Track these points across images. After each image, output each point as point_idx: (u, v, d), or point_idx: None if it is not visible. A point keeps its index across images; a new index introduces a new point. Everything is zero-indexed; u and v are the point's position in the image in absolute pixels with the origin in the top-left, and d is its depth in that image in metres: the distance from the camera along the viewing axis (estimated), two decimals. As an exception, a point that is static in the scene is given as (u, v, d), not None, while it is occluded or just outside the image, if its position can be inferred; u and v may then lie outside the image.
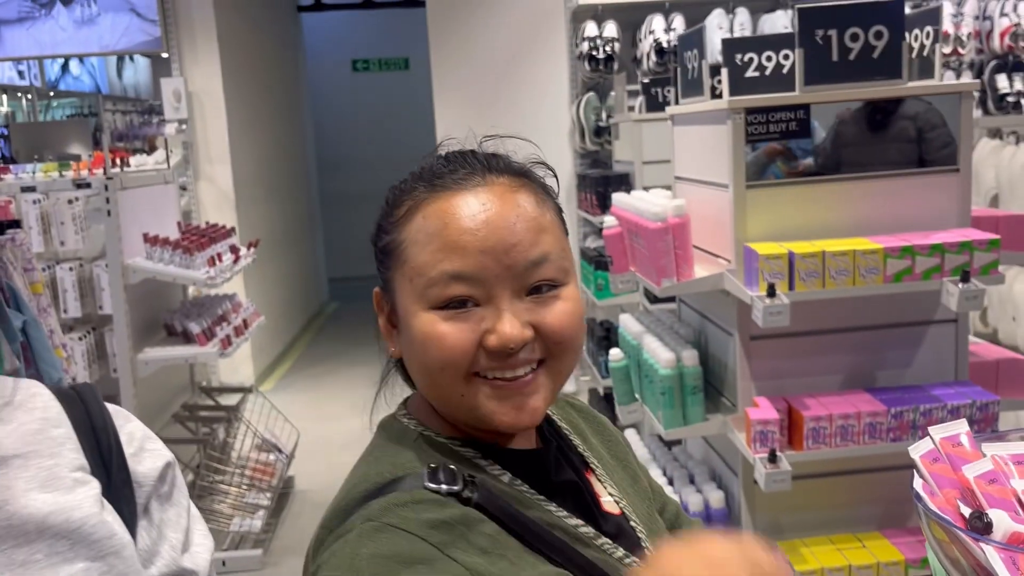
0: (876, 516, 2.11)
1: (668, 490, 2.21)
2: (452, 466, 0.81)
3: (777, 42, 2.26)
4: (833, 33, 1.94)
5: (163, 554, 0.69)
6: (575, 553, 0.82)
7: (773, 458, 1.88)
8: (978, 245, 1.86)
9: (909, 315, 2.06)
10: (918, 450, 0.80)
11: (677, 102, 2.50)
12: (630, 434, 2.64)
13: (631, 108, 4.39)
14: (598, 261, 3.94)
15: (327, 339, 7.56)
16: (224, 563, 3.47)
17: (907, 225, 2.00)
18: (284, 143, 7.64)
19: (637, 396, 2.34)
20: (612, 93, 4.99)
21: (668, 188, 2.52)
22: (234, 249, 3.82)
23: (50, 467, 0.63)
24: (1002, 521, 0.68)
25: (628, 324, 2.45)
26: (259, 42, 6.93)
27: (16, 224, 2.49)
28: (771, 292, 1.82)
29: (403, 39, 9.83)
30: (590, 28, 5.10)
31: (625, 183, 3.88)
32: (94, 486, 0.64)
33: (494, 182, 0.85)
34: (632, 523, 0.91)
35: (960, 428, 0.81)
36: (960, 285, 1.82)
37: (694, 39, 2.31)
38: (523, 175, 0.88)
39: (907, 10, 2.05)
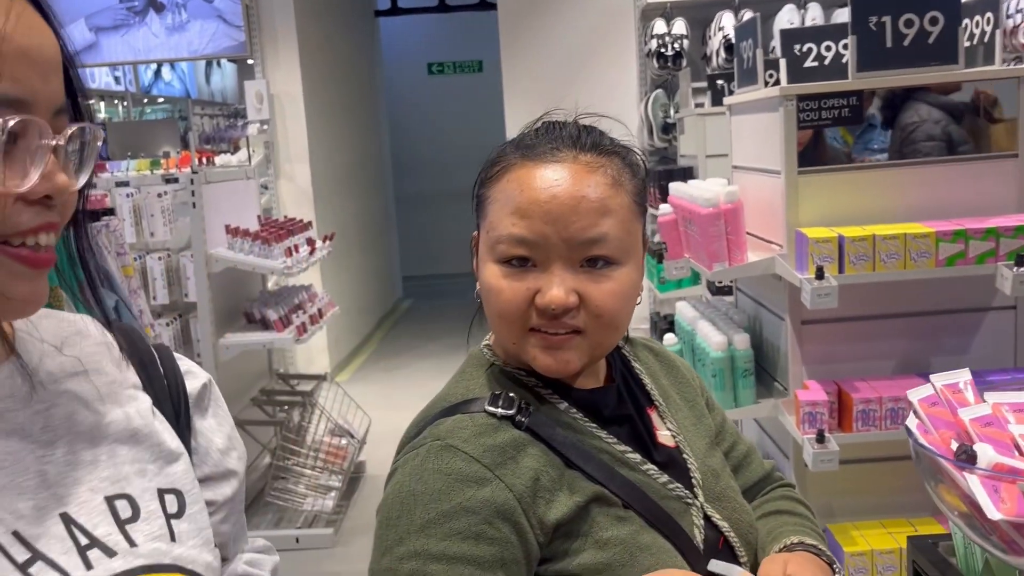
0: (930, 502, 2.10)
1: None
2: (512, 394, 0.93)
3: (835, 32, 2.28)
4: (887, 19, 1.95)
5: (209, 454, 0.80)
6: (616, 474, 0.91)
7: (821, 438, 1.91)
8: (1037, 229, 1.85)
9: (965, 301, 2.06)
10: (917, 394, 0.85)
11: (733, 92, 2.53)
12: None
13: (699, 104, 4.41)
14: (660, 254, 3.98)
15: (400, 334, 7.75)
16: (298, 540, 3.64)
17: (963, 211, 2.00)
18: (361, 144, 7.87)
19: (691, 381, 2.39)
20: (680, 90, 5.01)
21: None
22: (310, 242, 3.99)
23: (110, 383, 0.74)
24: (986, 453, 0.73)
25: (683, 311, 2.50)
26: (338, 46, 7.16)
27: (110, 212, 2.68)
28: (819, 274, 1.86)
29: (477, 42, 9.98)
30: (659, 26, 5.12)
31: (688, 176, 3.91)
32: (145, 399, 0.75)
33: (576, 158, 0.92)
34: (684, 455, 0.99)
35: (962, 376, 0.86)
36: (1015, 270, 1.81)
37: (750, 29, 2.35)
38: (608, 153, 0.94)
39: (966, -4, 2.05)
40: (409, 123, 10.18)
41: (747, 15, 4.96)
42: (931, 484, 0.77)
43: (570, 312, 0.89)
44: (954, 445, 0.77)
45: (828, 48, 2.27)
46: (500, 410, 0.90)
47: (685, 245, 2.32)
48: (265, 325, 3.70)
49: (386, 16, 9.32)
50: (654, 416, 1.01)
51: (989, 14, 2.10)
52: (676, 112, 4.99)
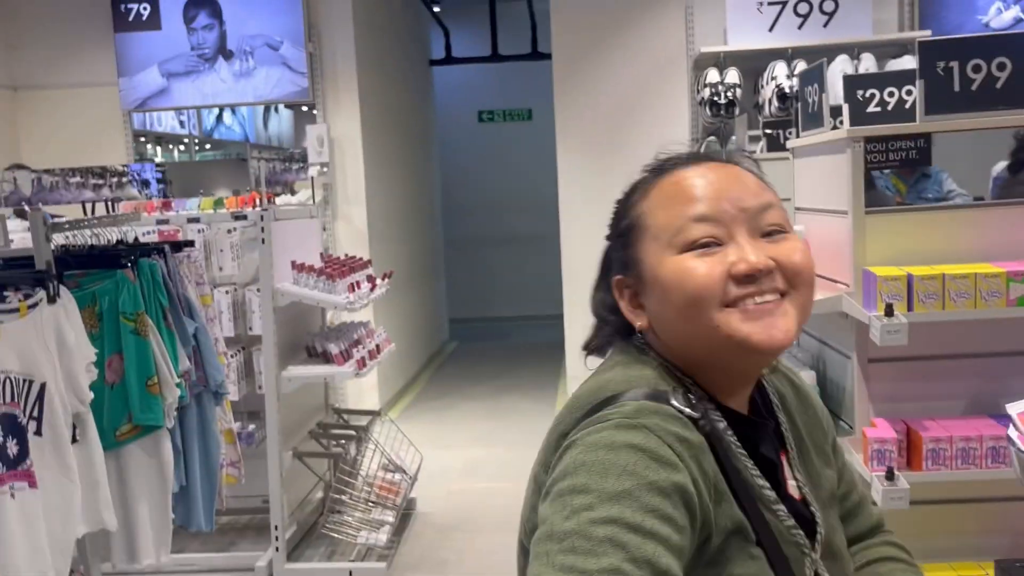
0: (1003, 546, 2.09)
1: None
2: (692, 395, 0.91)
3: (899, 78, 2.33)
4: (955, 65, 2.00)
5: None
6: (756, 508, 0.90)
7: (891, 476, 1.91)
8: (1106, 271, 1.86)
9: (1034, 343, 2.06)
10: (1016, 408, 0.88)
11: (798, 136, 2.58)
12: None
13: (752, 151, 4.47)
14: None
15: (447, 375, 7.81)
16: (351, 573, 3.67)
17: (1031, 253, 2.02)
18: (414, 188, 8.05)
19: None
20: (733, 137, 5.08)
21: (788, 220, 2.60)
22: (370, 279, 4.10)
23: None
24: (1086, 460, 0.76)
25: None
26: (395, 93, 7.38)
27: (191, 244, 2.80)
28: (889, 312, 1.88)
29: (527, 91, 10.20)
30: (712, 75, 5.22)
31: (745, 222, 3.94)
32: None
33: (714, 161, 0.98)
34: (812, 508, 0.97)
35: (1056, 393, 0.89)
36: (1086, 310, 1.82)
37: (815, 75, 2.41)
38: (734, 161, 0.99)
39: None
40: (460, 169, 10.38)
41: (799, 64, 5.03)
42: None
43: (769, 275, 0.89)
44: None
45: (891, 94, 2.32)
46: (688, 409, 0.88)
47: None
48: (326, 359, 3.79)
49: (440, 65, 9.57)
50: (785, 463, 0.99)
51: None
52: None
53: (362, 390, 6.02)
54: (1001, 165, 3.58)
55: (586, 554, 0.76)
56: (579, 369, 5.10)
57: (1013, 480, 1.93)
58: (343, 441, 4.26)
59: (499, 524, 3.89)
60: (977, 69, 1.97)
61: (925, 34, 5.00)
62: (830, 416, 1.10)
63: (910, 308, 1.91)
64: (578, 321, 5.73)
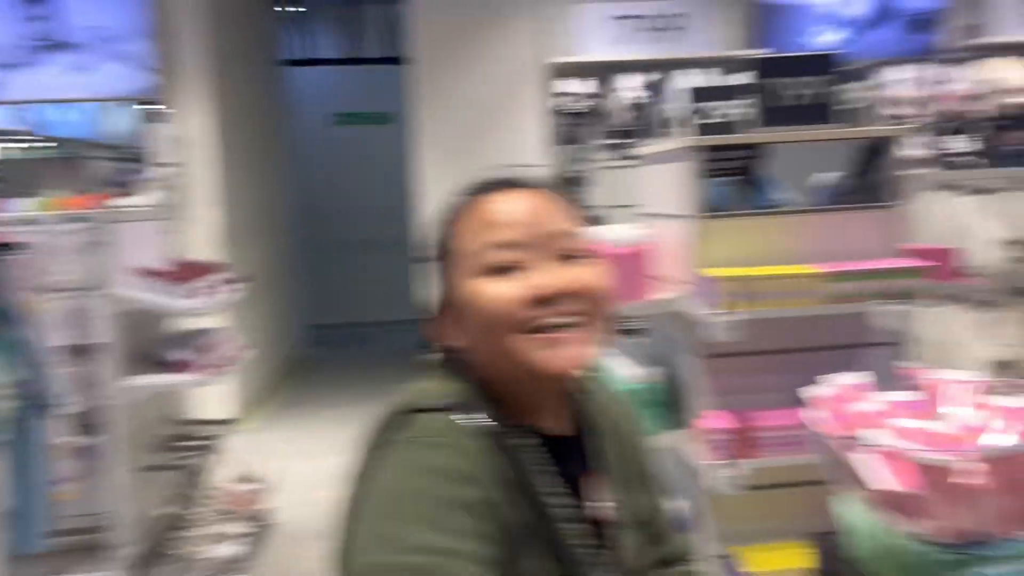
0: (827, 525, 2.26)
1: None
2: (496, 411, 0.94)
3: (735, 91, 2.49)
4: (786, 80, 2.17)
5: None
6: (553, 524, 0.93)
7: (725, 464, 2.04)
8: (906, 272, 2.06)
9: (851, 336, 2.26)
10: (811, 392, 0.98)
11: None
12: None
13: (604, 159, 4.64)
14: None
15: (306, 383, 7.64)
16: (203, 588, 3.53)
17: (850, 254, 2.21)
18: (269, 190, 7.83)
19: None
20: (584, 145, 5.25)
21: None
22: (222, 283, 3.96)
23: None
24: (874, 436, 0.86)
25: (597, 348, 2.63)
26: (247, 92, 7.16)
27: (18, 246, 2.63)
28: (724, 310, 2.01)
29: (385, 94, 10.13)
30: (564, 84, 5.38)
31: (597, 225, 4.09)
32: None
33: (519, 188, 1.01)
34: (620, 530, 1.02)
35: (859, 378, 1.00)
36: (893, 307, 2.02)
37: (660, 87, 2.53)
38: (543, 187, 1.03)
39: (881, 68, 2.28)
40: (317, 172, 10.17)
41: (649, 77, 5.27)
42: (829, 469, 0.89)
43: (569, 299, 0.92)
44: (844, 432, 0.89)
45: (734, 106, 2.48)
46: (477, 420, 0.91)
47: (599, 285, 2.45)
48: (173, 368, 3.63)
49: (296, 66, 9.36)
50: (597, 483, 1.03)
51: (869, 81, 2.35)
52: (583, 166, 5.22)
53: (216, 399, 5.80)
54: (825, 176, 3.88)
55: None
56: None
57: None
58: (193, 453, 4.10)
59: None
60: (805, 86, 2.15)
61: (763, 52, 5.35)
62: (649, 448, 1.15)
63: (743, 307, 2.05)
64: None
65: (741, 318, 2.02)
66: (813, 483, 2.23)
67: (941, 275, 2.28)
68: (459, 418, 0.91)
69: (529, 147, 5.77)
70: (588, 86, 5.33)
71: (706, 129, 2.39)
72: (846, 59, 2.38)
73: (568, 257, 0.95)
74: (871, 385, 0.94)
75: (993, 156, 5.17)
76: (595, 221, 4.11)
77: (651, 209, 2.58)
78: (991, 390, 0.90)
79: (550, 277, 0.92)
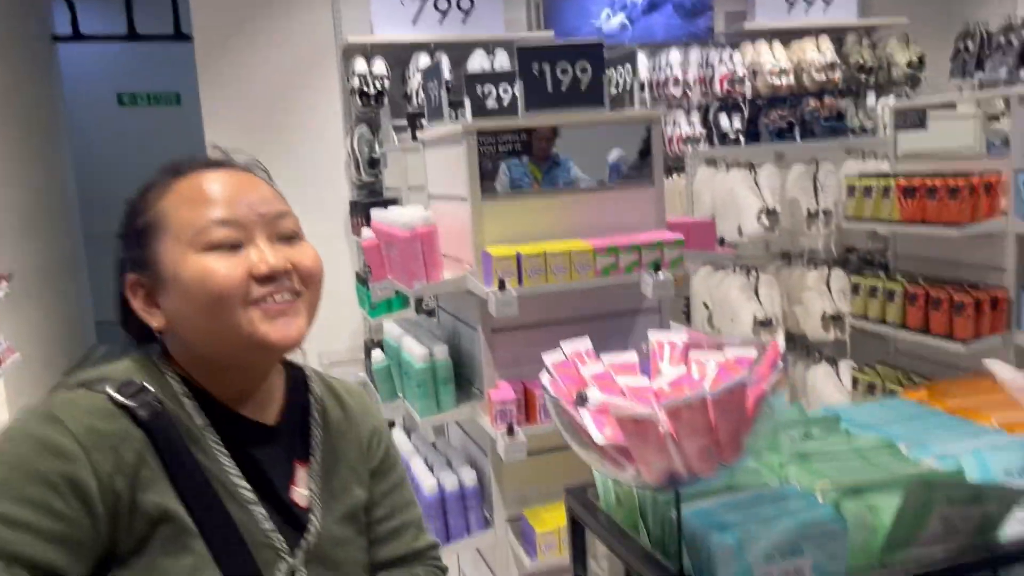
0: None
1: (428, 476, 2.43)
2: (146, 386, 0.93)
3: (510, 76, 2.59)
4: (547, 67, 2.28)
5: None
6: (213, 502, 0.92)
7: (511, 431, 2.15)
8: (667, 244, 2.25)
9: (623, 304, 2.43)
10: (550, 358, 1.07)
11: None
12: (398, 433, 2.84)
13: (399, 140, 4.65)
14: (366, 280, 4.14)
15: (96, 383, 7.15)
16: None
17: (616, 229, 2.37)
18: (41, 177, 7.21)
19: (399, 393, 2.56)
20: (382, 126, 5.24)
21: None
22: (-15, 282, 3.63)
23: None
24: (595, 395, 0.96)
25: (390, 329, 2.67)
26: (10, 72, 6.54)
27: None
28: (502, 286, 2.11)
29: (173, 73, 9.57)
30: (360, 65, 5.32)
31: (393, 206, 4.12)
32: None
33: (231, 167, 1.03)
34: (310, 517, 1.01)
35: (584, 345, 1.10)
36: (653, 276, 2.20)
37: (435, 71, 2.59)
38: (255, 169, 1.06)
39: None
40: (99, 156, 9.48)
41: (443, 58, 5.32)
42: (562, 427, 0.98)
43: (287, 276, 0.96)
44: (575, 393, 0.99)
45: (506, 90, 2.58)
46: (122, 398, 0.90)
47: (388, 267, 2.49)
48: (-69, 376, 3.30)
49: (67, 42, 8.63)
50: (301, 471, 1.03)
51: (628, 66, 2.52)
52: (380, 147, 5.21)
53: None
54: (615, 153, 4.12)
55: None
56: None
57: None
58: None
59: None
60: (565, 72, 2.27)
61: (548, 34, 5.54)
62: (385, 437, 1.15)
63: (520, 282, 2.16)
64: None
65: (519, 293, 2.12)
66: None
67: (703, 244, 2.50)
68: (89, 393, 0.90)
69: (327, 127, 5.67)
70: (384, 66, 5.31)
71: (482, 113, 2.47)
72: (620, 44, 2.54)
73: (285, 238, 0.99)
74: (593, 351, 1.05)
75: (756, 133, 5.67)
76: (390, 205, 4.13)
77: (435, 191, 2.64)
78: (697, 348, 1.02)
79: (273, 255, 0.95)
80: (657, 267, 2.21)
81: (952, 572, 1.00)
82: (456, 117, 2.54)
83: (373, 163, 5.31)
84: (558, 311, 2.36)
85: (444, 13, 5.59)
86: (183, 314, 0.95)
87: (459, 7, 5.63)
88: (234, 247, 0.95)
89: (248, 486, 0.96)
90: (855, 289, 3.46)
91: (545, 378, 1.02)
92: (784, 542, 0.96)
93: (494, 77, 2.55)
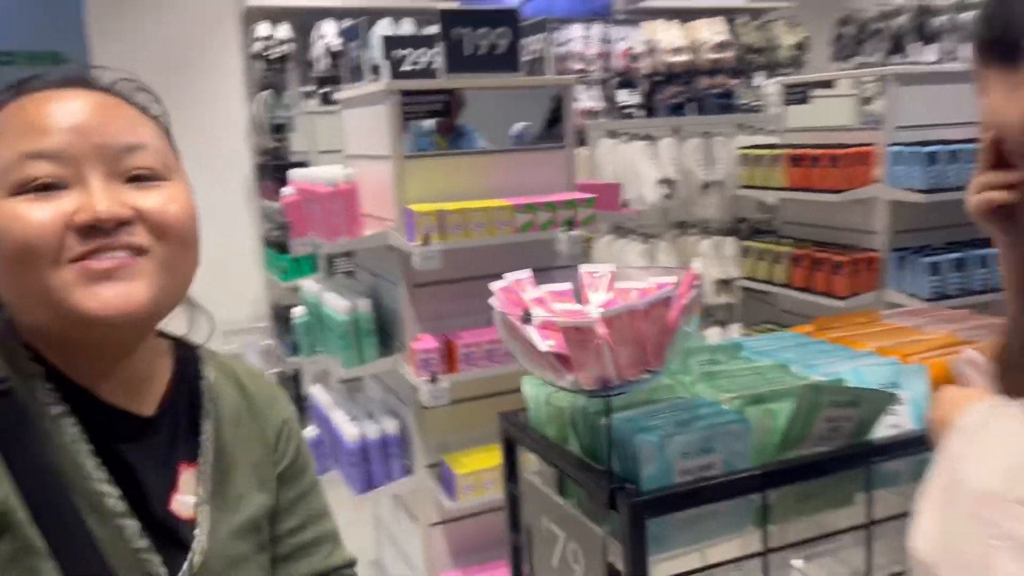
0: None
1: (350, 426, 2.52)
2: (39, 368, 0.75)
3: (427, 40, 2.67)
4: (467, 31, 2.38)
5: None
6: (72, 515, 0.73)
7: (434, 379, 2.26)
8: (579, 203, 2.40)
9: (539, 262, 2.55)
10: (497, 285, 1.19)
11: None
12: (317, 390, 2.90)
13: (307, 104, 4.65)
14: (281, 245, 4.15)
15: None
16: None
17: (531, 190, 2.50)
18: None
19: (319, 349, 2.63)
20: (287, 91, 5.20)
21: (341, 167, 2.83)
22: None
23: None
24: (538, 314, 1.09)
25: (308, 286, 2.72)
26: None
27: None
28: (425, 241, 2.21)
29: (53, 30, 9.10)
30: (263, 29, 5.26)
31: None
32: None
33: (88, 87, 0.80)
34: (195, 532, 0.82)
35: (524, 274, 1.22)
36: (567, 233, 2.34)
37: (358, 32, 2.65)
38: (113, 90, 0.82)
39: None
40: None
41: (347, 23, 5.31)
42: (509, 340, 1.10)
43: (126, 228, 0.74)
44: (522, 314, 1.12)
45: (423, 54, 2.66)
46: None
47: (309, 224, 2.55)
48: None
49: (-63, -6, 8.08)
50: (185, 475, 0.83)
51: (543, 35, 2.64)
52: (286, 112, 5.17)
53: None
54: (520, 125, 4.25)
55: None
56: None
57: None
58: None
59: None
60: (484, 37, 2.38)
61: (454, 4, 5.60)
62: (295, 434, 0.97)
63: (443, 238, 2.27)
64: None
65: (440, 248, 2.23)
66: (506, 392, 2.54)
67: (609, 206, 2.66)
68: None
69: (228, 92, 5.58)
70: (287, 31, 5.26)
71: (400, 75, 2.55)
72: (527, 15, 2.68)
73: (136, 179, 0.77)
74: (534, 279, 1.17)
75: (653, 107, 5.92)
76: (298, 167, 4.14)
77: (355, 151, 2.71)
78: (621, 278, 1.16)
79: (106, 200, 0.73)
80: (571, 225, 2.36)
81: (835, 463, 1.18)
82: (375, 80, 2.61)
83: (277, 128, 5.27)
84: (476, 267, 2.48)
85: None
86: None
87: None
88: (56, 188, 0.73)
89: (116, 493, 0.76)
90: (745, 252, 3.71)
91: (494, 299, 1.14)
92: (697, 441, 1.11)
93: (413, 41, 2.63)
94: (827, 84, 3.73)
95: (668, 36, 5.97)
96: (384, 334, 2.58)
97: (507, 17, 2.41)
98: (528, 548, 1.35)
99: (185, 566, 0.80)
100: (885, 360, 1.37)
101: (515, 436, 1.39)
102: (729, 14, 6.17)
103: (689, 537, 1.15)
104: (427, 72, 2.63)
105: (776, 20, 6.31)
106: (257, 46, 5.22)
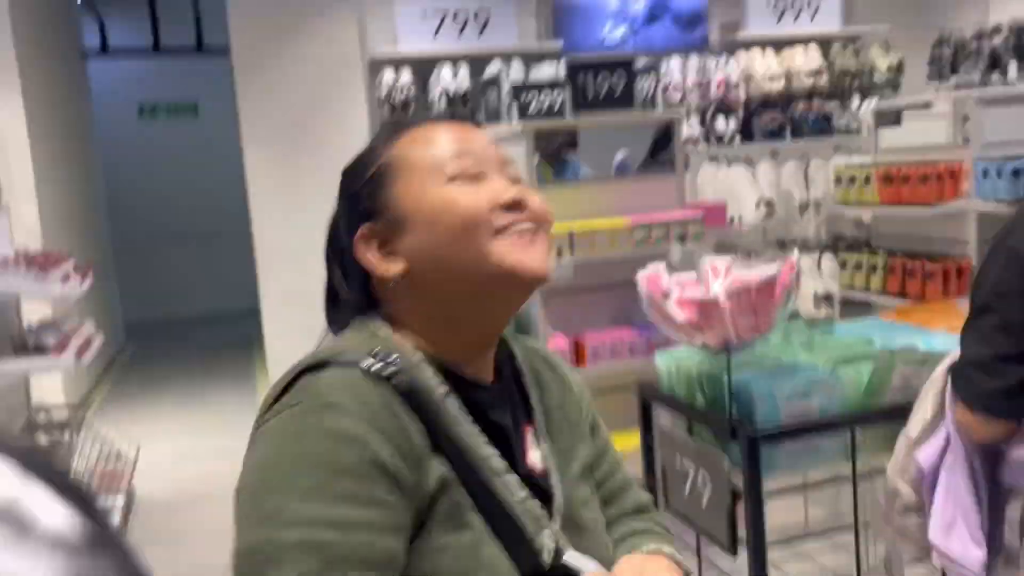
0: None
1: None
2: (393, 355, 0.85)
3: (550, 86, 3.10)
4: (591, 77, 2.79)
5: None
6: (475, 474, 0.85)
7: (568, 372, 2.65)
8: (689, 220, 2.76)
9: (652, 273, 2.93)
10: (642, 275, 1.58)
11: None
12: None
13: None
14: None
15: (132, 379, 7.60)
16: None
17: (648, 209, 2.87)
18: (78, 185, 7.68)
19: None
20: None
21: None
22: (71, 273, 4.10)
23: None
24: (675, 293, 1.46)
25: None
26: (53, 85, 7.01)
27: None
28: (559, 255, 2.61)
29: (192, 85, 10.06)
30: (387, 76, 5.82)
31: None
32: None
33: (454, 119, 0.98)
34: (551, 481, 0.94)
35: (659, 267, 1.60)
36: (680, 246, 2.71)
37: (491, 82, 3.09)
38: (476, 123, 1.02)
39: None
40: (122, 165, 9.93)
41: (462, 68, 5.81)
42: (651, 314, 1.48)
43: (529, 209, 0.91)
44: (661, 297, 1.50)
45: (545, 97, 3.08)
46: (377, 366, 0.83)
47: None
48: (37, 352, 3.77)
49: (95, 58, 9.10)
50: (529, 435, 0.96)
51: (653, 75, 3.03)
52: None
53: (44, 394, 5.75)
54: (621, 154, 4.65)
55: (271, 565, 0.73)
56: (283, 354, 5.56)
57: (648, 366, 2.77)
58: (55, 435, 4.21)
59: (221, 498, 4.15)
60: (604, 80, 2.79)
61: (559, 44, 6.03)
62: (588, 397, 1.08)
63: (572, 253, 2.66)
64: (276, 312, 6.03)
65: (571, 262, 2.62)
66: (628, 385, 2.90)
67: (715, 223, 3.01)
68: (344, 371, 0.83)
69: (354, 137, 6.15)
70: (406, 77, 5.81)
71: (531, 116, 2.98)
72: (635, 55, 3.05)
73: (515, 180, 0.95)
74: (665, 270, 1.54)
75: (750, 133, 6.20)
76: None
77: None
78: (733, 269, 1.53)
79: (512, 187, 0.91)
80: (682, 239, 2.72)
81: (905, 410, 1.51)
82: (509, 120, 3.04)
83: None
84: (599, 278, 2.87)
85: (462, 26, 6.09)
86: (428, 251, 0.89)
87: (475, 20, 6.12)
88: (474, 178, 0.90)
89: (497, 454, 0.89)
90: (843, 265, 3.97)
91: (639, 286, 1.52)
92: (799, 389, 1.46)
93: (537, 86, 3.06)
94: (923, 105, 3.97)
95: (763, 64, 6.26)
96: (523, 333, 2.98)
97: (623, 64, 2.81)
98: (663, 485, 1.71)
99: (554, 507, 0.92)
100: (948, 334, 1.69)
101: (651, 397, 1.76)
102: (823, 40, 6.41)
103: (792, 463, 1.50)
104: (549, 113, 3.05)
105: (871, 44, 6.51)
106: (383, 91, 5.78)
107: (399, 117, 1.17)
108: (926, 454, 1.14)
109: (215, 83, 8.90)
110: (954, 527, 1.06)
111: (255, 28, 6.10)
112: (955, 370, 1.18)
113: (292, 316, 5.84)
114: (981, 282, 1.19)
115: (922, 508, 1.15)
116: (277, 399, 0.83)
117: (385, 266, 0.91)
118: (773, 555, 1.47)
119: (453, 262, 0.88)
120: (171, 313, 9.69)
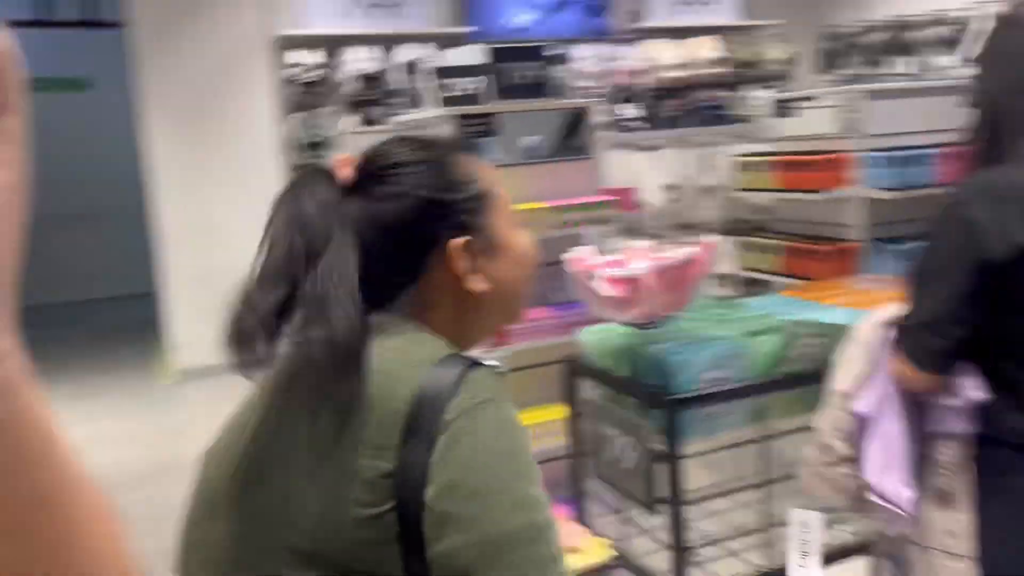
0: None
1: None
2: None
3: (473, 70, 3.18)
4: (513, 64, 2.88)
5: None
6: None
7: (491, 352, 2.75)
8: (604, 204, 2.90)
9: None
10: (571, 255, 1.69)
11: (391, 115, 3.32)
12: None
13: (345, 125, 5.15)
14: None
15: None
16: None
17: (566, 193, 2.99)
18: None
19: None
20: (321, 111, 5.71)
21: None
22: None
23: None
24: (601, 271, 1.58)
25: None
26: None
27: None
28: (482, 237, 2.71)
29: (82, 59, 9.63)
30: (295, 55, 5.76)
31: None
32: None
33: None
34: None
35: (586, 250, 1.72)
36: (597, 228, 2.84)
37: (411, 66, 3.15)
38: None
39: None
40: None
41: (375, 50, 5.81)
42: (581, 291, 1.60)
43: None
44: (589, 276, 1.61)
45: (469, 82, 3.16)
46: (492, 367, 0.92)
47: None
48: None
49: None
50: None
51: (562, 65, 3.14)
52: (321, 131, 5.68)
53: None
54: (531, 138, 4.78)
55: (536, 545, 0.80)
56: (189, 336, 5.50)
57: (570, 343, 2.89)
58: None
59: (138, 483, 4.10)
60: (525, 68, 2.88)
61: (471, 29, 6.09)
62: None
63: (494, 234, 2.76)
64: (179, 293, 5.88)
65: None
66: (558, 361, 3.02)
67: (626, 207, 3.16)
68: (482, 368, 0.89)
69: (261, 115, 6.06)
70: (316, 57, 5.76)
71: (452, 101, 3.05)
72: (546, 42, 3.16)
73: None
74: (595, 253, 1.66)
75: (654, 120, 6.43)
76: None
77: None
78: (655, 250, 1.66)
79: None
80: (600, 222, 2.86)
81: (809, 378, 1.68)
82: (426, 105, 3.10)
83: (313, 146, 5.77)
84: (519, 259, 2.97)
85: (373, 7, 6.07)
86: (508, 281, 0.98)
87: (387, 3, 6.11)
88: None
89: None
90: (747, 247, 4.22)
91: (569, 265, 1.63)
92: (714, 359, 1.61)
93: (460, 71, 3.13)
94: (816, 97, 4.24)
95: (667, 54, 6.49)
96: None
97: (539, 50, 2.91)
98: (591, 451, 1.84)
99: None
100: (843, 310, 1.87)
101: (577, 370, 1.88)
102: (722, 32, 6.69)
103: (708, 428, 1.65)
104: (469, 99, 3.13)
105: (766, 37, 6.83)
106: (289, 71, 5.72)
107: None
108: (863, 404, 1.30)
109: (111, 58, 8.55)
110: (888, 469, 1.22)
111: (157, 2, 5.92)
112: (903, 328, 1.32)
113: (196, 297, 5.74)
114: (931, 251, 1.34)
115: (855, 460, 1.31)
116: (436, 393, 0.85)
117: (474, 280, 0.95)
118: (688, 513, 1.62)
119: (515, 296, 1.01)
120: (60, 297, 9.28)
